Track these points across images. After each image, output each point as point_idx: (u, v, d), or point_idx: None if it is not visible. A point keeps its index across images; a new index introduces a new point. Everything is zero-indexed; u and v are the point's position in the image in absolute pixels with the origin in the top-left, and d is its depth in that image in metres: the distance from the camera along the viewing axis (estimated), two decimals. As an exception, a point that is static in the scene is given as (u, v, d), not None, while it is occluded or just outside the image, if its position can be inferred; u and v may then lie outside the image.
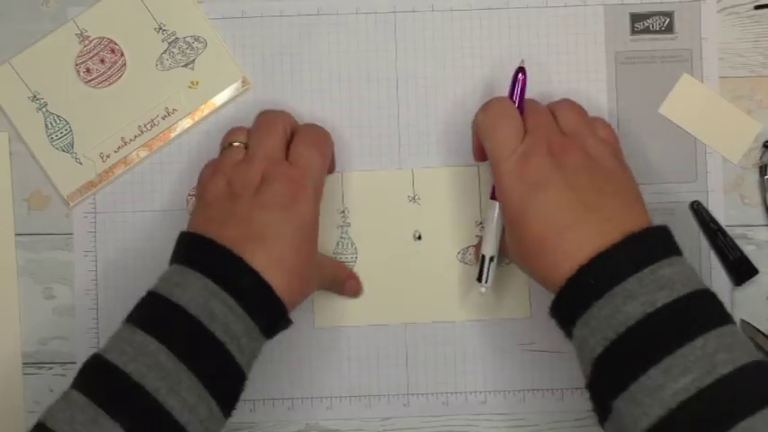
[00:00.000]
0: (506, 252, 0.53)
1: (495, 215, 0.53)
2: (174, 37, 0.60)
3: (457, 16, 0.60)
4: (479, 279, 0.55)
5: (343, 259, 0.59)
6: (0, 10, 0.60)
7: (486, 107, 0.52)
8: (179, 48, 0.60)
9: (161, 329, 0.47)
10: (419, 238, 0.59)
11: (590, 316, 0.45)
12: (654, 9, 0.60)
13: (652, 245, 0.46)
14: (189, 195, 0.60)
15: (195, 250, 0.50)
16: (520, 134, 0.50)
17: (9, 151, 0.60)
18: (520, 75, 0.54)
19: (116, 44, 0.60)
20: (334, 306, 0.60)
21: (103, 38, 0.60)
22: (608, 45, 0.60)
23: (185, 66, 0.60)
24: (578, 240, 0.46)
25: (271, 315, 0.49)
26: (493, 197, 0.54)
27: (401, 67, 0.60)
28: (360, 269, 0.59)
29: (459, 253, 0.59)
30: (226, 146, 0.55)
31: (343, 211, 0.59)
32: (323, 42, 0.60)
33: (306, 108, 0.60)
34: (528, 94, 0.60)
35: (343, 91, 0.60)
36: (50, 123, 0.60)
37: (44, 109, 0.60)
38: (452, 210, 0.59)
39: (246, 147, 0.54)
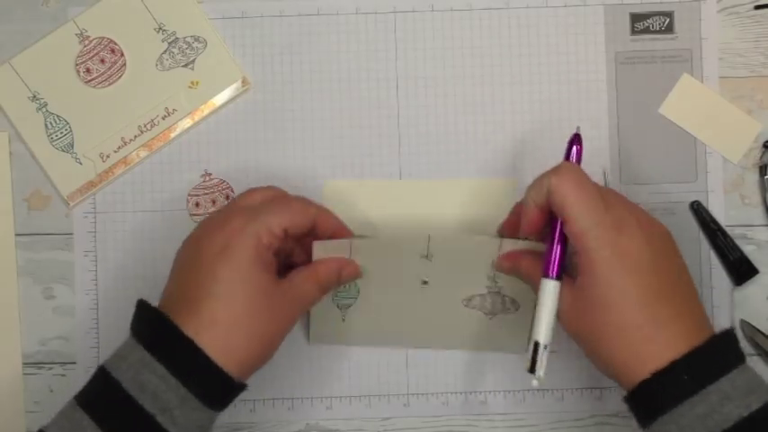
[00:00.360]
0: (564, 324, 0.49)
1: (554, 298, 0.48)
2: (174, 37, 0.60)
3: (457, 16, 0.60)
4: (531, 370, 0.49)
5: (344, 297, 0.57)
6: (0, 10, 0.60)
7: (561, 173, 0.47)
8: (179, 48, 0.60)
9: (94, 404, 0.47)
10: (425, 283, 0.56)
11: (679, 413, 0.44)
12: (654, 9, 0.60)
13: (735, 348, 0.47)
14: (189, 195, 0.60)
15: (138, 320, 0.49)
16: (602, 203, 0.47)
17: (9, 151, 0.60)
18: (575, 146, 0.51)
19: (116, 44, 0.60)
20: (330, 329, 0.59)
21: (103, 38, 0.60)
22: (608, 45, 0.60)
23: (185, 66, 0.60)
24: (675, 335, 0.45)
25: (210, 382, 0.47)
26: (549, 275, 0.49)
27: (401, 67, 0.60)
28: (361, 309, 0.58)
29: (464, 300, 0.57)
30: None
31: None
32: (323, 42, 0.60)
33: (306, 108, 0.60)
34: (527, 94, 0.60)
35: (343, 91, 0.60)
36: (50, 123, 0.60)
37: (44, 109, 0.60)
38: (464, 266, 0.55)
39: None
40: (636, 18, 0.60)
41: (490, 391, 0.60)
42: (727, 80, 0.60)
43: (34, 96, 0.60)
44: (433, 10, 0.60)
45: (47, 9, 0.60)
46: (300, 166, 0.60)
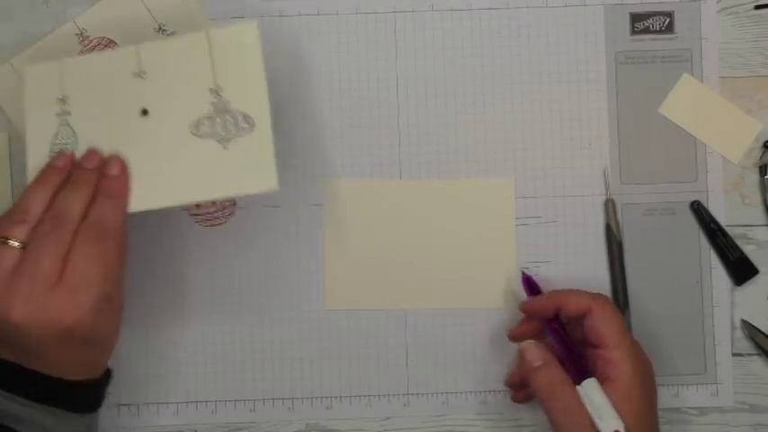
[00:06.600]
0: None
1: (601, 392, 0.50)
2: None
3: (457, 16, 0.60)
4: None
5: (61, 143, 0.54)
6: (0, 10, 0.60)
7: (603, 304, 0.52)
8: (179, 48, 0.60)
9: None
10: (145, 113, 0.52)
11: None
12: (654, 9, 0.60)
13: None
14: (189, 195, 0.60)
15: None
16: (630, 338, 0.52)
17: (9, 151, 0.60)
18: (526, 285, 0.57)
19: (116, 44, 0.60)
20: None
21: (103, 38, 0.60)
22: (608, 45, 0.60)
23: (185, 66, 0.60)
24: None
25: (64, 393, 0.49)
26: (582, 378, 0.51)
27: (401, 67, 0.60)
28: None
29: (191, 127, 0.52)
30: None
31: (62, 99, 0.53)
32: (323, 42, 0.60)
33: (306, 108, 0.60)
34: (527, 94, 0.60)
35: (344, 91, 0.60)
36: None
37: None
38: (181, 80, 0.52)
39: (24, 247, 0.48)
40: (636, 18, 0.60)
41: (490, 391, 0.60)
42: (726, 80, 0.60)
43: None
44: (432, 10, 0.60)
45: (47, 9, 0.60)
46: (300, 166, 0.60)
